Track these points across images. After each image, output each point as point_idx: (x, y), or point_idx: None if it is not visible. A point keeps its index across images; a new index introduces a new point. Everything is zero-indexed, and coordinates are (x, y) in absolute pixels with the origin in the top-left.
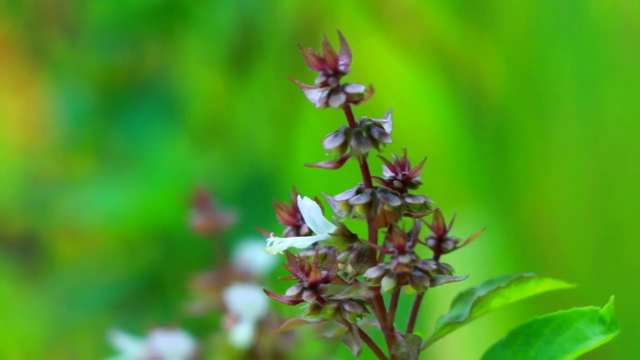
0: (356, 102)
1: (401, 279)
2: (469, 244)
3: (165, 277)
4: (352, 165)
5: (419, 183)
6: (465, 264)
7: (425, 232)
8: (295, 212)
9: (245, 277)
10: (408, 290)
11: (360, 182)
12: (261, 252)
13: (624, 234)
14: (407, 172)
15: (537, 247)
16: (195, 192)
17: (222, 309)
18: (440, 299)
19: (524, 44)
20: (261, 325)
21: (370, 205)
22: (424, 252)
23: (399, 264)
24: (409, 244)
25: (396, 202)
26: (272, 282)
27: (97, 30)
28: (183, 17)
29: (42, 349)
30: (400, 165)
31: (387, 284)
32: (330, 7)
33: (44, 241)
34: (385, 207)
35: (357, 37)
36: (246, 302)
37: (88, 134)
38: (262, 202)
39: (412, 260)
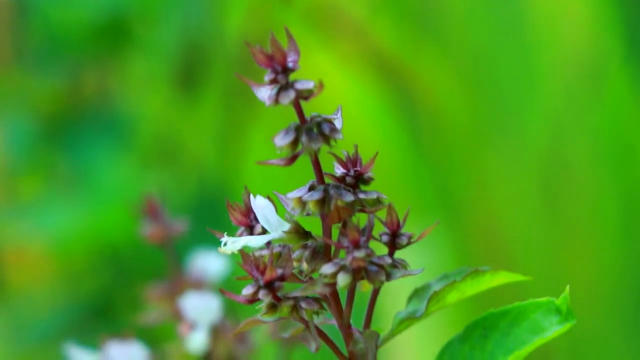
0: (306, 98)
1: (357, 273)
2: (418, 251)
3: (115, 298)
4: (301, 177)
5: (370, 179)
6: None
7: (379, 229)
8: (248, 212)
9: (198, 286)
10: (364, 287)
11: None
12: (213, 261)
13: (570, 237)
14: (359, 168)
15: (484, 252)
16: (146, 202)
17: (175, 319)
18: (388, 298)
19: (470, 57)
20: (216, 331)
21: (323, 202)
22: (378, 250)
23: (354, 258)
24: (363, 238)
25: (349, 197)
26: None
27: (39, 55)
28: (128, 39)
29: None
30: (352, 162)
31: (343, 280)
32: (276, 26)
33: None
34: (339, 203)
35: (304, 54)
36: (201, 308)
37: (34, 160)
38: (210, 221)
39: (368, 255)
